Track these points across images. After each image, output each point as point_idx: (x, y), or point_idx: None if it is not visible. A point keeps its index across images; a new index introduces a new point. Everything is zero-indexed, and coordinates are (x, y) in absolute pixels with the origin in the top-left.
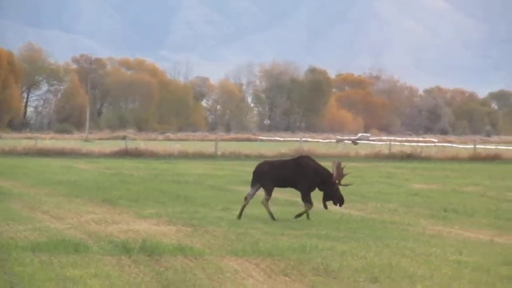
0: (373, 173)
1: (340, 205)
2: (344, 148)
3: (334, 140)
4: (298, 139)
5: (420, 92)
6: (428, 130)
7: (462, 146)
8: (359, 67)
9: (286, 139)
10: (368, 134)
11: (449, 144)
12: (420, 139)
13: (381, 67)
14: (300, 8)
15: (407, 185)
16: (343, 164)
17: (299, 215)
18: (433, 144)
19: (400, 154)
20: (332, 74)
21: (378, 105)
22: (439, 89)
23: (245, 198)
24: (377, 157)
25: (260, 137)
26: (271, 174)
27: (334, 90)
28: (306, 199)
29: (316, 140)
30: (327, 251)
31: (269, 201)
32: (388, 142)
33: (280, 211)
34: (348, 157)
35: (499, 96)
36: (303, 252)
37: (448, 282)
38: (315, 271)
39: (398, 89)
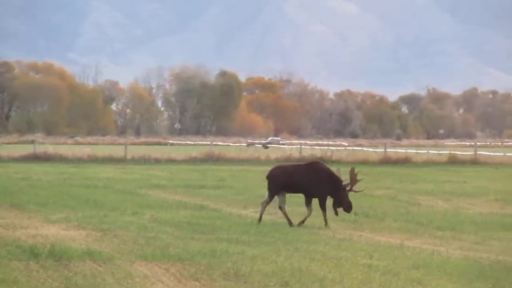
0: None
1: (349, 211)
2: (255, 152)
3: (245, 144)
4: (209, 143)
5: (331, 95)
6: (338, 134)
7: (373, 149)
8: (270, 71)
9: (196, 142)
10: (279, 138)
11: (360, 148)
12: (331, 142)
13: (291, 70)
14: (209, 11)
15: None
16: (356, 170)
17: (325, 219)
18: (343, 147)
19: (311, 157)
20: (242, 78)
21: (289, 109)
22: (349, 92)
23: (280, 207)
24: (288, 160)
25: (170, 141)
26: (284, 180)
27: (244, 93)
28: (323, 206)
29: (227, 143)
30: (237, 255)
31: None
32: (298, 146)
33: (190, 215)
34: (258, 161)
35: (409, 100)
36: (213, 256)
37: (359, 286)
38: (226, 276)
39: (309, 92)
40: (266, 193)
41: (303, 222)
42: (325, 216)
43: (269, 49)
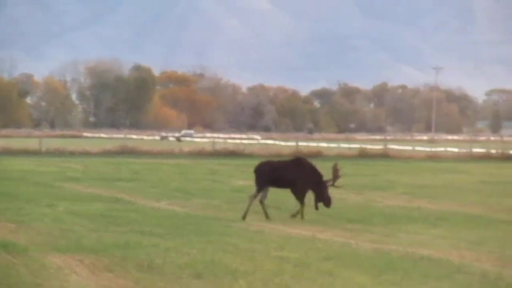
0: (197, 170)
1: (329, 206)
2: (168, 145)
3: (158, 137)
4: (123, 136)
5: (244, 90)
6: (251, 127)
7: (285, 143)
8: (183, 65)
9: (111, 136)
10: (192, 131)
11: (272, 141)
12: (244, 136)
13: (205, 65)
14: (124, 5)
15: (230, 182)
16: (339, 166)
17: (295, 214)
18: (256, 141)
19: (224, 151)
20: (156, 72)
21: (202, 103)
22: (262, 87)
23: (260, 202)
24: (201, 154)
25: (85, 134)
26: (271, 175)
27: (158, 87)
28: (301, 200)
29: (141, 137)
30: (151, 247)
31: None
32: (211, 139)
33: (105, 207)
34: (172, 154)
35: (321, 94)
36: (127, 248)
37: (271, 278)
38: (139, 268)
39: (222, 86)
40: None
41: (299, 215)
42: (302, 209)
43: (183, 43)
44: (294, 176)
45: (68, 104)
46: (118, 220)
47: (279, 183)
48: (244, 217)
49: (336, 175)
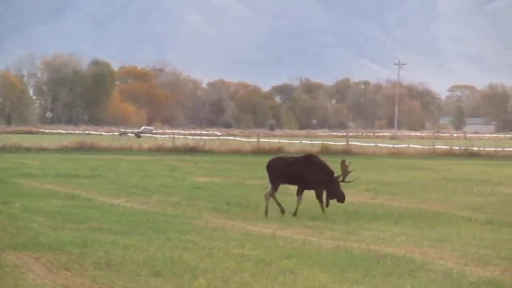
0: (156, 166)
1: (342, 202)
2: (127, 141)
3: (117, 133)
4: (81, 132)
5: (204, 85)
6: (211, 123)
7: (246, 139)
8: (143, 60)
9: (68, 131)
10: (152, 127)
11: (233, 137)
12: (204, 132)
13: (164, 59)
14: None
15: (190, 178)
16: (348, 162)
17: (323, 208)
18: (216, 137)
19: (184, 147)
20: (115, 67)
21: (162, 98)
22: (222, 82)
23: (266, 196)
24: (160, 150)
25: (42, 130)
26: (285, 171)
27: (117, 82)
28: (319, 197)
29: (99, 132)
30: (109, 245)
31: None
32: (171, 135)
33: (62, 204)
34: (131, 150)
35: (282, 90)
36: (84, 246)
37: (231, 275)
38: (97, 265)
39: (182, 82)
40: (269, 185)
41: (295, 212)
42: (322, 206)
43: (142, 38)
44: (306, 173)
45: (25, 99)
46: (75, 217)
47: (291, 180)
48: (266, 214)
49: (345, 170)
